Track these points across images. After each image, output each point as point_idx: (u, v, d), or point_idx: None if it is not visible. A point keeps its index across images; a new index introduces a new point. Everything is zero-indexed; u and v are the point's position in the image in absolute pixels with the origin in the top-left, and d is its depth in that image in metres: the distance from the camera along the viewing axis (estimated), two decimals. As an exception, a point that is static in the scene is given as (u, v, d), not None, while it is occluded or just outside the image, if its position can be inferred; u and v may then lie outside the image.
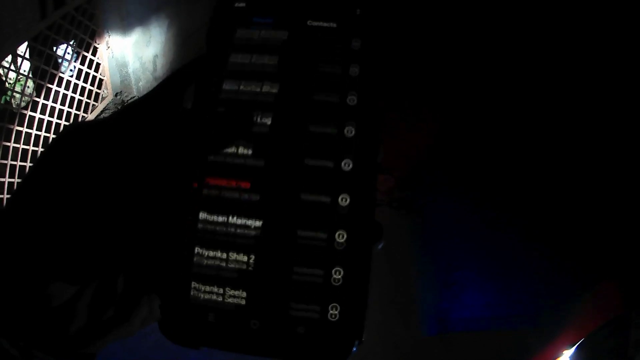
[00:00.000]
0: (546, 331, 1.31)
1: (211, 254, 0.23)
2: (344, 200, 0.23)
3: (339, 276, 0.23)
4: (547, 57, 1.52)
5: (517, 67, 1.54)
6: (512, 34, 1.54)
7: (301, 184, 0.23)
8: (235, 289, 0.23)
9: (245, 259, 0.23)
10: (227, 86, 0.25)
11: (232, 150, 0.24)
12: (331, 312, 0.23)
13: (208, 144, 0.24)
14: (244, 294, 0.23)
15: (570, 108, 1.46)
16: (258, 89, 0.24)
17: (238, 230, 0.23)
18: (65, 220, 0.24)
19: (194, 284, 0.23)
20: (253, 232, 0.23)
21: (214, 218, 0.23)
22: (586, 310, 1.26)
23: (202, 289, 0.23)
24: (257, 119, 0.24)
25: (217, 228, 0.23)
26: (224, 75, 0.25)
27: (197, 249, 0.23)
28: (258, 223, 0.23)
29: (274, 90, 0.24)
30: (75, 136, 0.26)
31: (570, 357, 1.11)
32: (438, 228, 1.55)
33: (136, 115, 0.26)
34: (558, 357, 1.15)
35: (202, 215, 0.23)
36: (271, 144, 0.24)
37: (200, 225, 0.23)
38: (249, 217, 0.23)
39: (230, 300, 0.23)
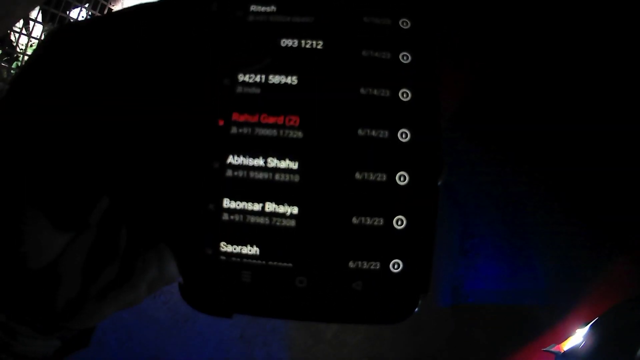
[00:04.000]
0: (558, 308, 1.27)
1: (244, 205, 0.19)
2: (403, 135, 0.20)
3: (402, 226, 0.19)
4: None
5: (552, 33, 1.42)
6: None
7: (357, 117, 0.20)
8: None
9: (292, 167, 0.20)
10: None
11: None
12: (394, 262, 0.19)
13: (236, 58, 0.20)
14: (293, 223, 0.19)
15: (599, 78, 1.35)
16: None
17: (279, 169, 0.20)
18: (51, 140, 0.19)
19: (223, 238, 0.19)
20: (297, 177, 0.20)
21: (248, 161, 0.20)
22: (600, 289, 1.21)
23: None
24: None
25: (252, 174, 0.20)
26: None
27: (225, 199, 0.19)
28: (297, 165, 0.20)
29: None
30: (76, 32, 0.20)
31: (583, 336, 1.07)
32: (456, 192, 1.49)
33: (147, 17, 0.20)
34: (571, 335, 1.11)
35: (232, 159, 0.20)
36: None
37: (229, 168, 0.20)
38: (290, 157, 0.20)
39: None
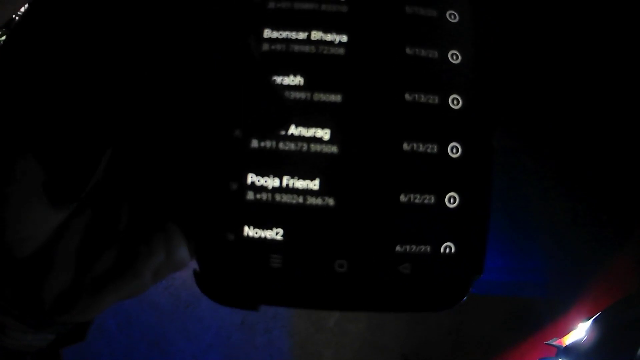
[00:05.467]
0: (561, 302, 1.26)
1: (269, 181, 0.17)
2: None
3: (454, 204, 0.18)
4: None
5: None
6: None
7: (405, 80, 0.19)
8: (316, 196, 0.17)
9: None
10: None
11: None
12: (446, 239, 0.18)
13: None
14: (331, 201, 0.17)
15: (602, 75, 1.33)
16: None
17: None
18: (47, 92, 0.16)
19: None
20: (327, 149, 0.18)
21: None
22: (603, 283, 1.20)
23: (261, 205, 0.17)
24: None
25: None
26: None
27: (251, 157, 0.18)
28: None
29: None
30: None
31: (586, 331, 1.06)
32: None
33: None
34: (573, 329, 1.10)
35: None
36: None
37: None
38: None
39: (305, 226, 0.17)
